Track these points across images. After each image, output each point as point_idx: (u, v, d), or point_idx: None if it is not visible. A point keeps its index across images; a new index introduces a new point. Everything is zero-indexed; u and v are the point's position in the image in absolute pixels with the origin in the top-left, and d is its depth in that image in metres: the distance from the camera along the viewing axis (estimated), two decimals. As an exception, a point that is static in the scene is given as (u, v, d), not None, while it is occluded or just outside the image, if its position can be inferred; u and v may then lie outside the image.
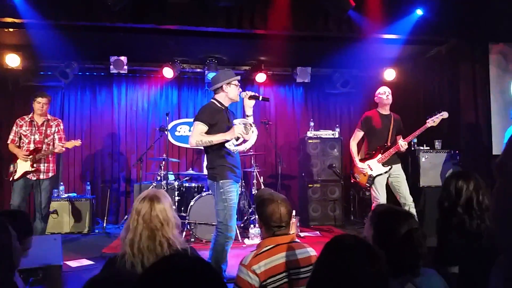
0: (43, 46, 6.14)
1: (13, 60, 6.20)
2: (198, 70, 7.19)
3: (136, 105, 7.36)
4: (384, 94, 4.89)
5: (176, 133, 7.37)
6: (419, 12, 5.30)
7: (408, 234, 1.63)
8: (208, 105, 3.75)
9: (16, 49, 6.19)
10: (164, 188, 5.78)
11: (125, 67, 6.60)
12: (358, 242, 1.34)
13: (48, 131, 5.01)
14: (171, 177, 6.37)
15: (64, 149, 4.98)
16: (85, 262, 4.52)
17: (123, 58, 6.56)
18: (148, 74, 7.28)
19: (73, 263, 4.43)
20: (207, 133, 3.58)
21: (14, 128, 5.00)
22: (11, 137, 4.98)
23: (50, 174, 4.98)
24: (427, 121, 4.71)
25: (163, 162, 6.01)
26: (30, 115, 5.02)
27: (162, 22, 5.19)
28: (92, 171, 7.18)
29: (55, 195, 6.29)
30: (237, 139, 3.57)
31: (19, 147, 4.93)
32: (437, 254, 2.24)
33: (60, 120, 5.25)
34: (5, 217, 2.02)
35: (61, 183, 6.61)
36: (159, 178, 6.05)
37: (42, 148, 4.90)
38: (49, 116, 5.11)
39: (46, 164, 4.93)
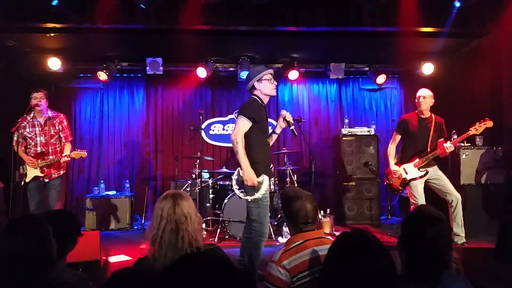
0: (82, 49, 6.41)
1: (54, 64, 6.48)
2: (231, 69, 7.24)
3: (171, 105, 7.52)
4: (418, 98, 4.81)
5: (210, 132, 7.47)
6: (457, 3, 5.09)
7: (433, 240, 1.58)
8: (252, 100, 3.69)
9: (57, 52, 6.46)
10: (198, 186, 5.88)
11: (161, 68, 6.74)
12: (364, 239, 1.33)
13: (52, 131, 4.86)
14: (206, 175, 6.47)
15: (69, 159, 4.84)
16: (124, 257, 4.65)
17: (159, 59, 6.70)
18: (183, 74, 7.40)
19: (112, 259, 4.58)
20: (251, 128, 3.54)
21: (16, 131, 4.73)
22: (15, 139, 4.72)
23: (62, 172, 4.92)
24: (470, 128, 4.61)
25: (198, 161, 6.10)
26: (32, 115, 4.81)
27: (195, 23, 5.25)
28: (131, 169, 7.40)
29: (96, 192, 6.55)
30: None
31: (25, 148, 4.83)
32: None
33: (62, 115, 5.02)
34: (55, 217, 2.15)
35: (102, 181, 6.87)
36: (194, 176, 6.15)
37: (49, 151, 4.81)
38: (50, 113, 4.91)
39: (55, 165, 4.85)
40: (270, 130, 3.94)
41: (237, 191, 3.66)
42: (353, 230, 1.45)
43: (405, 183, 4.77)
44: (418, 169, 4.72)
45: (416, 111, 4.91)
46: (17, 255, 1.60)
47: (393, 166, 4.87)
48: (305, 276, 1.98)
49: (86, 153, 5.00)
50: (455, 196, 4.69)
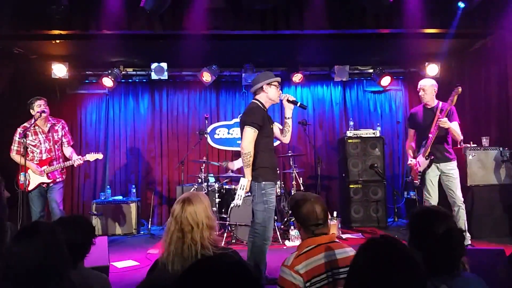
0: (88, 55, 6.44)
1: (60, 70, 6.50)
2: (236, 73, 7.26)
3: (176, 110, 7.55)
4: (419, 91, 4.77)
5: (215, 136, 7.48)
6: (461, 4, 5.08)
7: (446, 234, 1.58)
8: (255, 106, 3.71)
9: (62, 59, 6.50)
10: (204, 190, 5.88)
11: (166, 73, 6.77)
12: (394, 243, 1.31)
13: (56, 137, 4.85)
14: (212, 179, 6.47)
15: (82, 162, 4.84)
16: (131, 263, 4.66)
17: (164, 65, 6.74)
18: (187, 78, 7.44)
19: (119, 264, 4.58)
20: (257, 135, 3.59)
21: (16, 138, 4.71)
22: (15, 148, 4.72)
23: (64, 176, 4.94)
24: (447, 102, 4.50)
25: (204, 165, 6.11)
26: (32, 123, 4.66)
27: (200, 28, 5.27)
28: (137, 174, 7.42)
29: (102, 198, 6.56)
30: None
31: (26, 156, 4.61)
32: None
33: (63, 121, 5.02)
34: (69, 222, 2.15)
35: (108, 186, 6.89)
36: (200, 180, 6.16)
37: (54, 157, 4.79)
38: (51, 119, 4.88)
39: (58, 169, 4.85)
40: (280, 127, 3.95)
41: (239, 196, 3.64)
42: (383, 238, 1.35)
43: (422, 176, 4.70)
44: (426, 157, 4.62)
45: (422, 103, 4.81)
46: (36, 262, 1.54)
47: (409, 161, 4.87)
48: (319, 281, 1.97)
49: (102, 155, 5.02)
50: (457, 201, 4.54)
